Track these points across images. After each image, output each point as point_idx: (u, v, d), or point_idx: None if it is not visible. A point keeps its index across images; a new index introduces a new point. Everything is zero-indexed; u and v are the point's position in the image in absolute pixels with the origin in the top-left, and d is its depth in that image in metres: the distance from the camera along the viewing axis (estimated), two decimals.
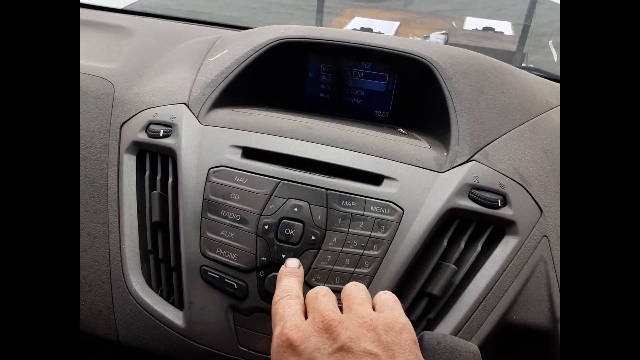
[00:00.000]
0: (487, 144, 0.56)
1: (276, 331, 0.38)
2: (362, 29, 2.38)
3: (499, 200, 0.51)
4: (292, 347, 0.35)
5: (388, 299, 0.41)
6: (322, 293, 0.40)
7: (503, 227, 0.52)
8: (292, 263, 0.47)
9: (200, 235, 0.51)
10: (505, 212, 0.51)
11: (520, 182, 0.54)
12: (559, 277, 0.51)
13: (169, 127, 0.57)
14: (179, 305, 0.52)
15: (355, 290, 0.41)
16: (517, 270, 0.50)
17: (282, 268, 0.46)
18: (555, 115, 0.65)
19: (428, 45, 0.65)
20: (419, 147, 0.57)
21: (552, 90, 0.70)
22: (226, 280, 0.49)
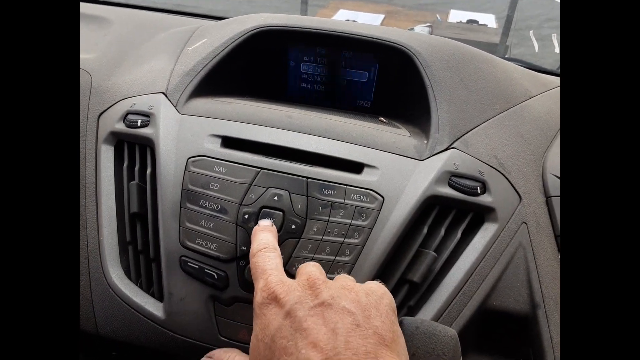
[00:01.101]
0: (467, 132, 0.56)
1: (260, 284, 0.39)
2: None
3: (479, 188, 0.52)
4: (277, 299, 0.36)
5: (375, 282, 0.42)
6: (312, 263, 0.42)
7: (482, 214, 0.52)
8: (265, 222, 0.47)
9: (179, 226, 0.50)
10: (485, 199, 0.52)
11: (499, 170, 0.54)
12: (537, 263, 0.52)
13: (147, 117, 0.56)
14: (159, 297, 0.52)
15: (344, 274, 0.43)
16: (496, 256, 0.51)
17: (256, 227, 0.47)
18: (534, 104, 0.65)
19: (408, 34, 0.64)
20: (399, 135, 0.57)
21: (532, 80, 0.70)
22: (206, 270, 0.49)
